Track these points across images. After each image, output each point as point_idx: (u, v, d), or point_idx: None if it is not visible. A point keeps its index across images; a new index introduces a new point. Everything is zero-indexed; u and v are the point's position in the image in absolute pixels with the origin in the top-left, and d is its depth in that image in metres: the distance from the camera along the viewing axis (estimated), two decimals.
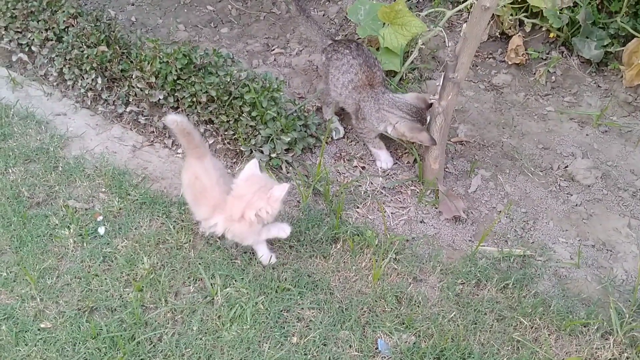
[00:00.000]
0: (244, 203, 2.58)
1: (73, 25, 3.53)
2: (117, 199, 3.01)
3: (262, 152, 3.15)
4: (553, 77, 3.87)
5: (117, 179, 3.09)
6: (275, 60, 3.93)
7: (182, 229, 2.91)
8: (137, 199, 3.01)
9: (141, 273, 2.72)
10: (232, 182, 2.65)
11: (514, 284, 2.79)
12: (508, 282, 2.80)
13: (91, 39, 3.46)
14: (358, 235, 2.93)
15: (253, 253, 2.83)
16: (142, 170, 3.19)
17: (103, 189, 3.07)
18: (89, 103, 3.51)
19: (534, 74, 3.89)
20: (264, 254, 2.78)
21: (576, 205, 3.21)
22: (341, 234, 2.92)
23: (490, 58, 3.99)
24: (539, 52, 3.93)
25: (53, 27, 3.57)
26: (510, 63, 3.91)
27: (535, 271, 2.89)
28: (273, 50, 3.99)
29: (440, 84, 2.99)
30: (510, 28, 3.97)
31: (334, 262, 2.84)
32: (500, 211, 3.16)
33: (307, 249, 2.87)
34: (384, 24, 3.61)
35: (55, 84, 3.61)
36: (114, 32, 3.52)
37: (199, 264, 2.77)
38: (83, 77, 3.47)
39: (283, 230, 2.76)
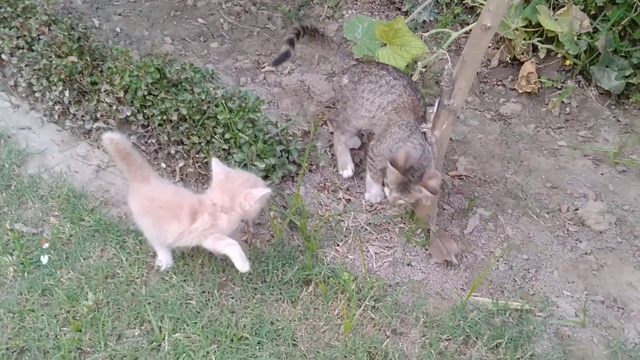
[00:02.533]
0: (231, 192, 2.41)
1: (45, 34, 3.28)
2: (69, 224, 2.71)
3: None
4: (567, 109, 3.52)
5: (72, 202, 2.80)
6: (264, 78, 3.64)
7: (135, 261, 2.60)
8: (91, 225, 2.71)
9: (82, 311, 2.41)
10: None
11: (508, 343, 2.43)
12: (501, 341, 2.43)
13: (62, 48, 3.20)
14: (333, 277, 2.59)
15: (211, 293, 2.51)
16: (102, 193, 2.89)
17: (55, 212, 2.78)
18: (57, 117, 3.24)
19: (547, 104, 3.54)
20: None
21: (585, 253, 2.83)
22: (314, 275, 2.58)
23: (499, 85, 3.65)
24: (553, 81, 3.59)
25: (25, 35, 3.31)
26: (520, 91, 3.57)
27: (533, 329, 2.51)
28: (263, 67, 3.70)
29: (434, 111, 2.66)
30: (522, 53, 3.63)
31: (303, 308, 2.50)
32: (499, 257, 2.80)
33: (273, 292, 2.54)
34: (383, 44, 3.29)
35: (24, 95, 3.35)
36: (88, 41, 3.26)
37: (149, 303, 2.45)
38: (51, 89, 3.21)
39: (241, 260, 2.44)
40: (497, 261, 2.73)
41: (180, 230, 2.40)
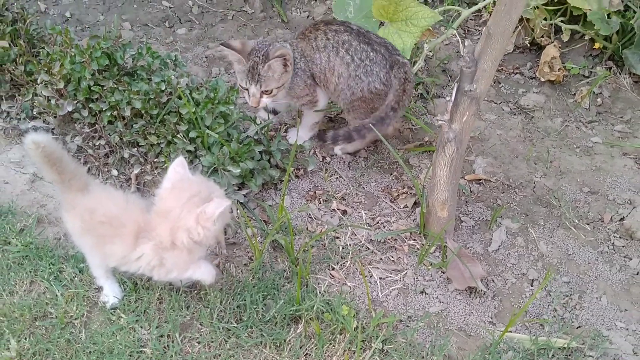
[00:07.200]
0: (171, 222, 1.76)
1: None
2: None
3: None
4: (599, 99, 2.98)
5: None
6: None
7: (73, 297, 2.01)
8: (19, 251, 2.12)
9: None
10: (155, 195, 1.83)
11: None
12: None
13: None
14: (329, 312, 2.03)
15: (171, 337, 1.93)
16: (36, 209, 2.31)
17: None
18: None
19: (574, 94, 3.01)
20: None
21: (637, 273, 2.30)
22: (304, 310, 2.01)
23: (516, 73, 3.11)
24: (580, 67, 3.05)
25: None
26: (543, 80, 3.03)
27: None
28: None
29: (452, 100, 2.11)
30: (543, 36, 3.10)
31: (291, 354, 1.94)
32: (533, 280, 2.26)
33: (252, 334, 1.97)
34: (381, 22, 2.75)
35: None
36: (24, 24, 2.67)
37: (89, 352, 1.87)
38: None
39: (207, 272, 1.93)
40: (541, 289, 2.16)
41: (124, 252, 1.82)
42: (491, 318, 2.15)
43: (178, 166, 1.81)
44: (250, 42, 2.40)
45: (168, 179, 1.81)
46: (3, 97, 2.62)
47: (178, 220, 1.75)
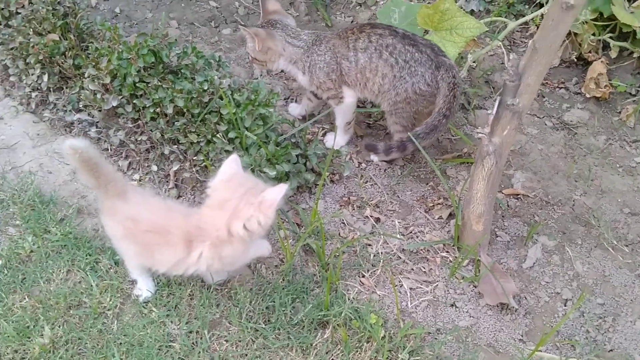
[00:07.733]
0: (227, 212, 1.77)
1: (25, 7, 2.77)
2: (31, 237, 2.18)
3: None
4: None
5: (37, 210, 2.27)
6: (283, 70, 3.08)
7: (108, 288, 2.06)
8: (58, 240, 2.18)
9: (33, 351, 1.87)
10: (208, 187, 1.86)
11: None
12: None
13: (44, 24, 2.69)
14: (357, 319, 2.03)
15: (199, 334, 1.96)
16: (77, 200, 2.36)
17: (17, 222, 2.25)
18: (34, 106, 2.72)
19: (619, 112, 2.95)
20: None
21: None
22: (332, 316, 2.02)
23: (561, 88, 3.06)
24: (627, 85, 2.99)
25: (2, 9, 2.81)
26: (588, 96, 2.97)
27: None
28: None
29: (494, 112, 2.09)
30: (590, 52, 3.04)
31: (317, 359, 1.94)
32: (567, 300, 2.22)
33: (279, 336, 1.98)
34: (426, 30, 2.74)
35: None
36: (75, 18, 2.74)
37: (119, 344, 1.91)
38: (28, 72, 2.70)
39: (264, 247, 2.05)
40: (575, 309, 2.13)
41: (177, 257, 1.84)
42: (521, 336, 2.12)
43: (233, 162, 1.84)
44: (282, 16, 2.57)
45: (223, 172, 1.83)
46: (51, 89, 2.69)
47: (236, 210, 1.76)
